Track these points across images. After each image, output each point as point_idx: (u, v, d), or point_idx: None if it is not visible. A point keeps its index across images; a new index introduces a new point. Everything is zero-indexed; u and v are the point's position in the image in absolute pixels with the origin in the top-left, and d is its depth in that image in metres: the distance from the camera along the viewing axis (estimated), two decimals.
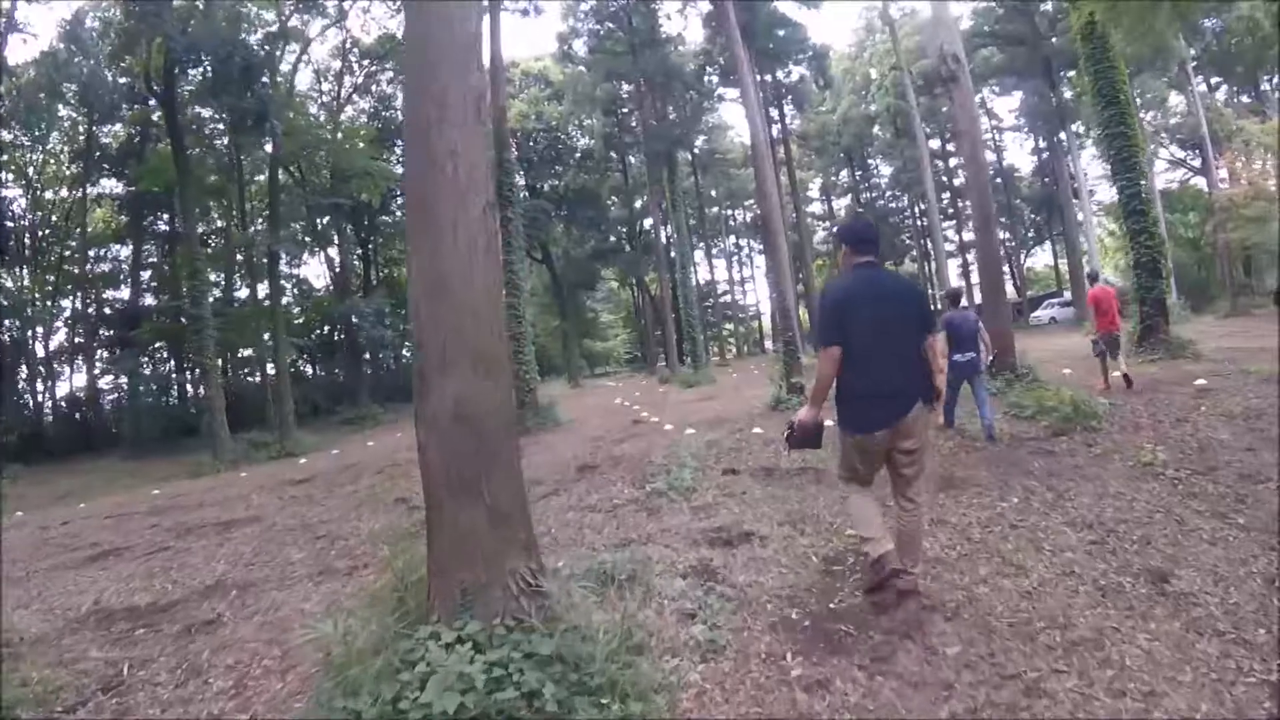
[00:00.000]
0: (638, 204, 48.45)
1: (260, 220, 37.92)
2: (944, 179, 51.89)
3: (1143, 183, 17.00)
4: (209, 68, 25.02)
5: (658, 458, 10.15)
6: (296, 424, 28.98)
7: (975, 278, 57.68)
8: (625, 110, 44.65)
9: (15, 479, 24.30)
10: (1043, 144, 47.97)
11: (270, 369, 35.10)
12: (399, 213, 46.80)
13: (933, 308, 10.18)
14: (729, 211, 67.74)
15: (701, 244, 61.50)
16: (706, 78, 41.37)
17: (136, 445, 30.13)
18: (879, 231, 4.81)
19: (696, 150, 51.66)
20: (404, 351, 49.12)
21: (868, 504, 4.30)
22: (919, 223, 57.03)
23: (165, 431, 30.82)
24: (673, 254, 40.88)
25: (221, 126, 31.19)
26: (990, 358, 10.23)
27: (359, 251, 47.02)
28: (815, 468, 7.99)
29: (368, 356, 43.89)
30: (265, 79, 26.60)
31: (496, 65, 19.35)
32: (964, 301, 10.26)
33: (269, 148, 30.03)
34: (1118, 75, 16.50)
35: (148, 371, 36.53)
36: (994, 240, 15.82)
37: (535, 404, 18.30)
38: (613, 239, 52.78)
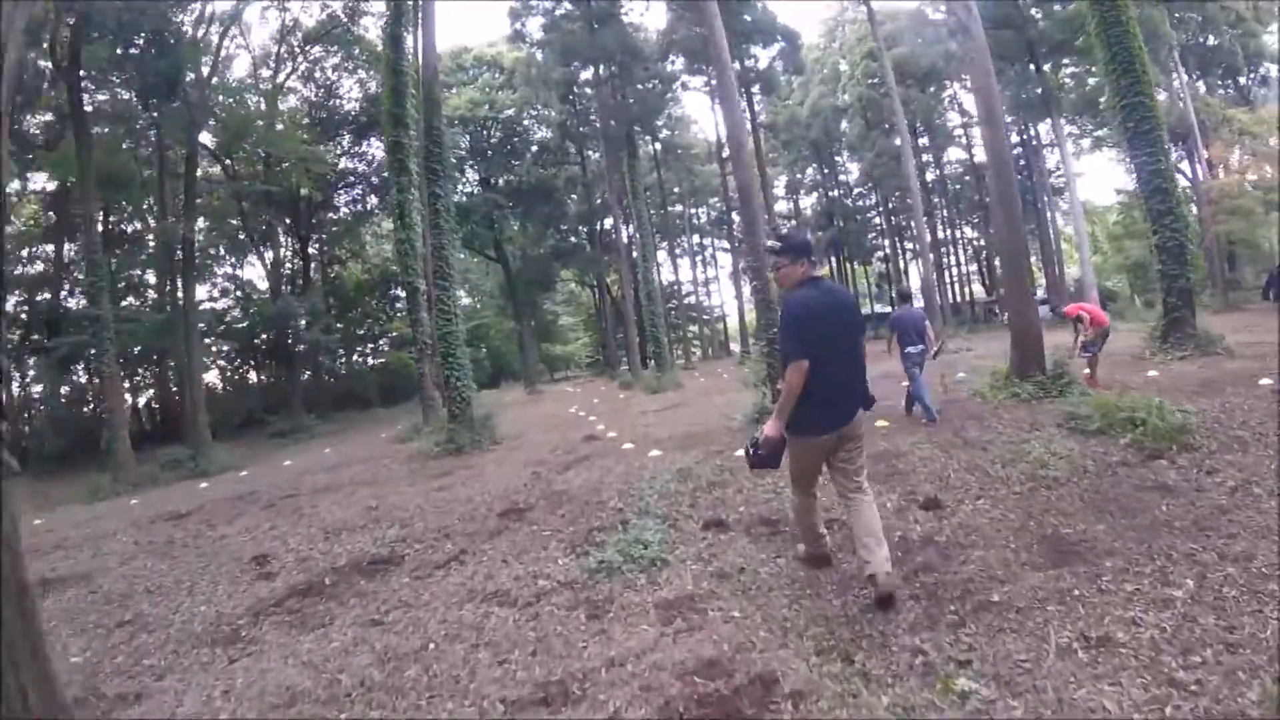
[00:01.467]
0: (598, 200, 45.87)
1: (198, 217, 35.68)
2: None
3: (1163, 160, 14.94)
4: (114, 36, 22.70)
5: (611, 497, 7.54)
6: (223, 437, 27.39)
7: (953, 269, 56.63)
8: (584, 99, 42.14)
9: None
10: (1018, 138, 45.96)
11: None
12: (344, 208, 44.42)
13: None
14: (693, 210, 65.28)
15: (664, 243, 59.03)
16: (669, 63, 38.70)
17: (44, 462, 27.55)
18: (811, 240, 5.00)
19: (659, 143, 49.40)
20: (348, 356, 46.56)
21: (814, 509, 4.77)
22: (889, 220, 55.04)
23: (74, 448, 27.74)
24: (634, 253, 38.40)
25: (147, 112, 28.37)
26: (935, 349, 11.22)
27: (296, 248, 43.64)
28: (840, 518, 5.49)
29: (306, 363, 40.88)
30: (175, 42, 24.05)
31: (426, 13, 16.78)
32: (914, 301, 11.73)
33: (181, 116, 26.95)
34: (1133, 41, 14.72)
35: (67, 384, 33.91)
36: (1018, 223, 13.31)
37: (469, 419, 15.44)
38: (572, 239, 50.41)
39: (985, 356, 19.16)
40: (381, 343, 49.57)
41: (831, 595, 4.41)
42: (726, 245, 64.79)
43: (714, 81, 38.65)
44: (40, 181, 35.77)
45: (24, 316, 36.38)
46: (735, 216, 53.99)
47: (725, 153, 45.35)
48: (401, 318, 45.06)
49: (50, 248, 37.07)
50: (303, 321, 35.29)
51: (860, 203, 57.68)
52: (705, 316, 69.69)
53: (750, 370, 20.73)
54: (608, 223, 46.78)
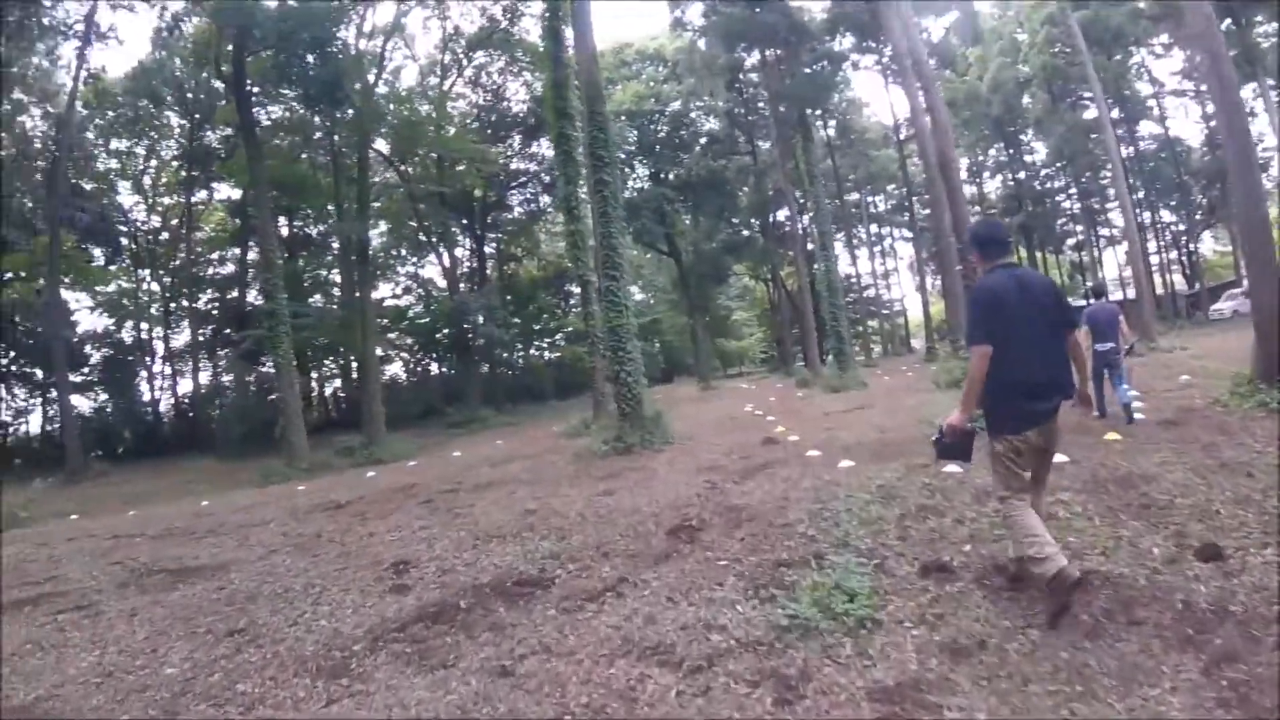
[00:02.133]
0: (769, 190, 44.29)
1: (378, 220, 38.16)
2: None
3: None
4: (275, 49, 23.42)
5: (800, 519, 6.33)
6: (403, 426, 28.75)
7: (1150, 258, 51.24)
8: (750, 85, 40.81)
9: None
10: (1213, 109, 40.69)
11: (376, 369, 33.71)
12: (518, 208, 45.35)
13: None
14: (870, 198, 62.35)
15: (840, 233, 56.23)
16: (837, 41, 36.55)
17: (229, 447, 29.72)
18: (1008, 231, 4.76)
19: (830, 129, 47.27)
20: (525, 350, 47.49)
21: (1031, 517, 4.03)
22: (1081, 203, 50.51)
23: (258, 434, 29.04)
24: (809, 244, 36.69)
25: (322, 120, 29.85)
26: (1129, 345, 10.76)
27: (473, 247, 45.06)
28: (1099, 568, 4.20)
29: (483, 356, 41.65)
30: (337, 54, 24.59)
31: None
32: (1107, 295, 11.74)
33: (354, 125, 27.95)
34: None
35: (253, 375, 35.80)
36: (1260, 195, 10.91)
37: (639, 416, 14.64)
38: (745, 231, 49.03)
39: (1205, 356, 17.27)
40: (558, 337, 50.63)
41: (1113, 696, 3.11)
42: (908, 233, 61.66)
43: (886, 58, 36.48)
44: (225, 190, 38.97)
45: (215, 313, 39.95)
46: (917, 203, 51.28)
47: (904, 133, 42.98)
48: (576, 313, 45.41)
49: (237, 250, 39.80)
50: (479, 317, 36.02)
51: (1049, 185, 52.95)
52: (885, 310, 66.70)
53: (940, 369, 19.07)
54: (781, 214, 45.40)
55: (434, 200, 37.65)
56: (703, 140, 46.42)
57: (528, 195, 45.84)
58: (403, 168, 37.16)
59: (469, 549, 7.11)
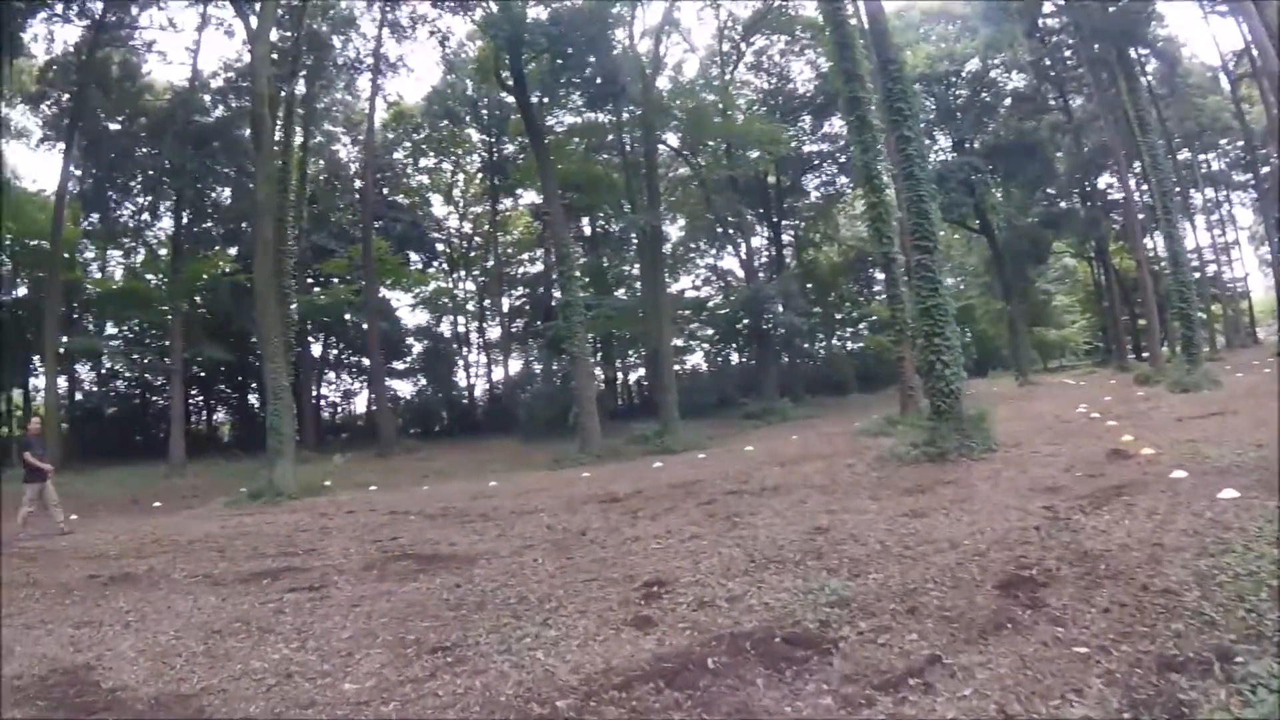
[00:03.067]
0: (1086, 150, 39.51)
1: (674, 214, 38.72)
2: None
3: None
4: (549, 52, 24.31)
5: (1182, 580, 4.71)
6: (699, 415, 29.27)
7: None
8: (1053, 32, 36.65)
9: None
10: None
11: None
12: (814, 192, 44.08)
13: None
14: (1202, 157, 51.40)
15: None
16: None
17: (531, 430, 31.24)
18: None
19: (1149, 74, 40.62)
20: (826, 340, 46.36)
21: None
22: None
23: (555, 420, 30.04)
24: (1139, 216, 31.89)
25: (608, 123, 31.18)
26: None
27: (769, 235, 44.45)
28: None
29: (782, 346, 41.24)
30: (612, 52, 25.15)
31: None
32: None
33: (640, 121, 28.59)
34: None
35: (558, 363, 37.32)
36: None
37: (957, 415, 12.65)
38: (1063, 203, 43.87)
39: None
40: (861, 327, 49.15)
41: None
42: (1249, 197, 51.52)
43: None
44: (530, 196, 42.04)
45: (526, 307, 44.27)
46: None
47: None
48: (880, 301, 44.01)
49: (542, 251, 43.60)
50: (778, 305, 35.51)
51: None
52: (1225, 292, 54.14)
53: None
54: (1104, 180, 40.63)
55: (727, 189, 37.45)
56: (1007, 100, 42.48)
57: (823, 178, 44.63)
58: (693, 160, 37.26)
59: (739, 574, 6.13)
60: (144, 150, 31.87)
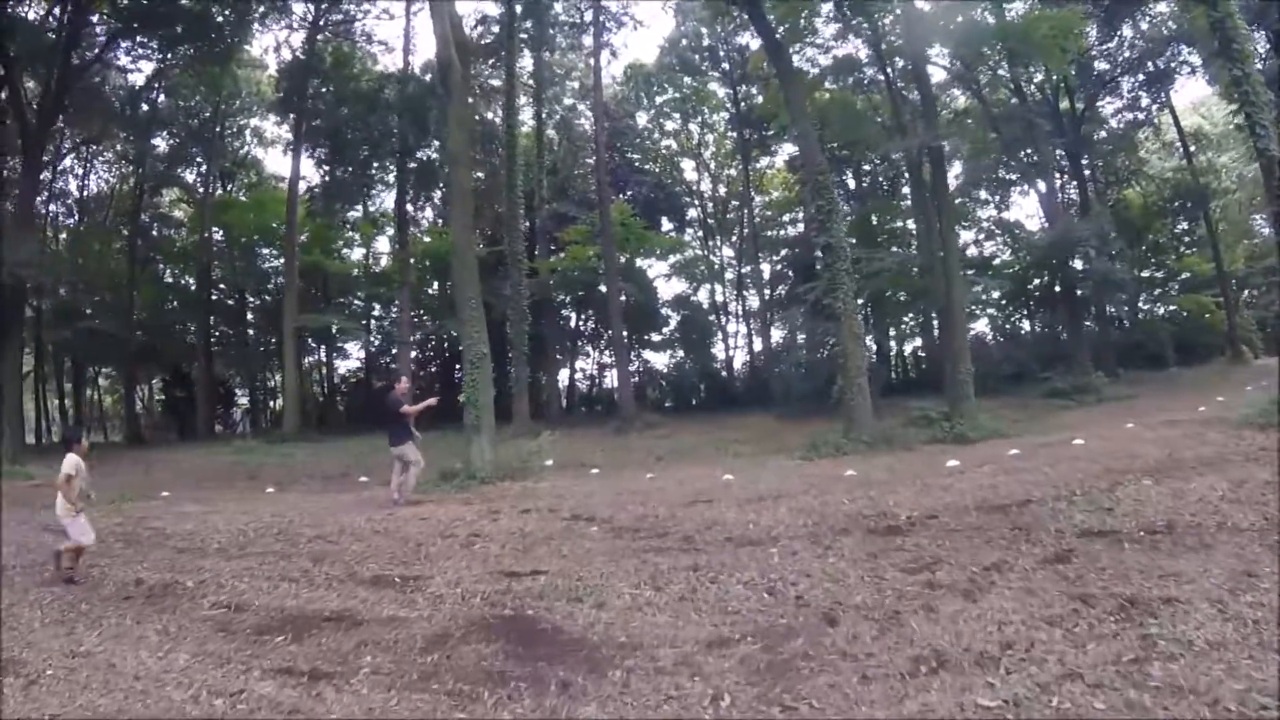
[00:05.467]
0: None
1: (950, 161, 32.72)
2: None
3: None
4: None
5: None
6: (988, 393, 23.57)
7: None
8: None
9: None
10: None
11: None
12: (1112, 119, 36.39)
13: None
14: None
15: None
16: None
17: (789, 405, 27.83)
18: None
19: None
20: (1133, 301, 37.58)
21: None
22: None
23: (819, 393, 25.32)
24: None
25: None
26: None
27: (1067, 169, 36.23)
28: None
29: (1089, 308, 33.77)
30: None
31: None
32: None
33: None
34: None
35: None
36: None
37: None
38: None
39: None
40: (1171, 286, 39.29)
41: None
42: None
43: None
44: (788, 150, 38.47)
45: (789, 272, 39.64)
46: None
47: None
48: (1195, 252, 37.37)
49: (802, 210, 38.57)
50: (1090, 251, 27.91)
51: None
52: None
53: None
54: None
55: (1014, 117, 30.29)
56: None
57: (1125, 98, 35.76)
58: (970, 77, 30.22)
59: None
60: (359, 130, 32.38)
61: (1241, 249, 41.24)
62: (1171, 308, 38.04)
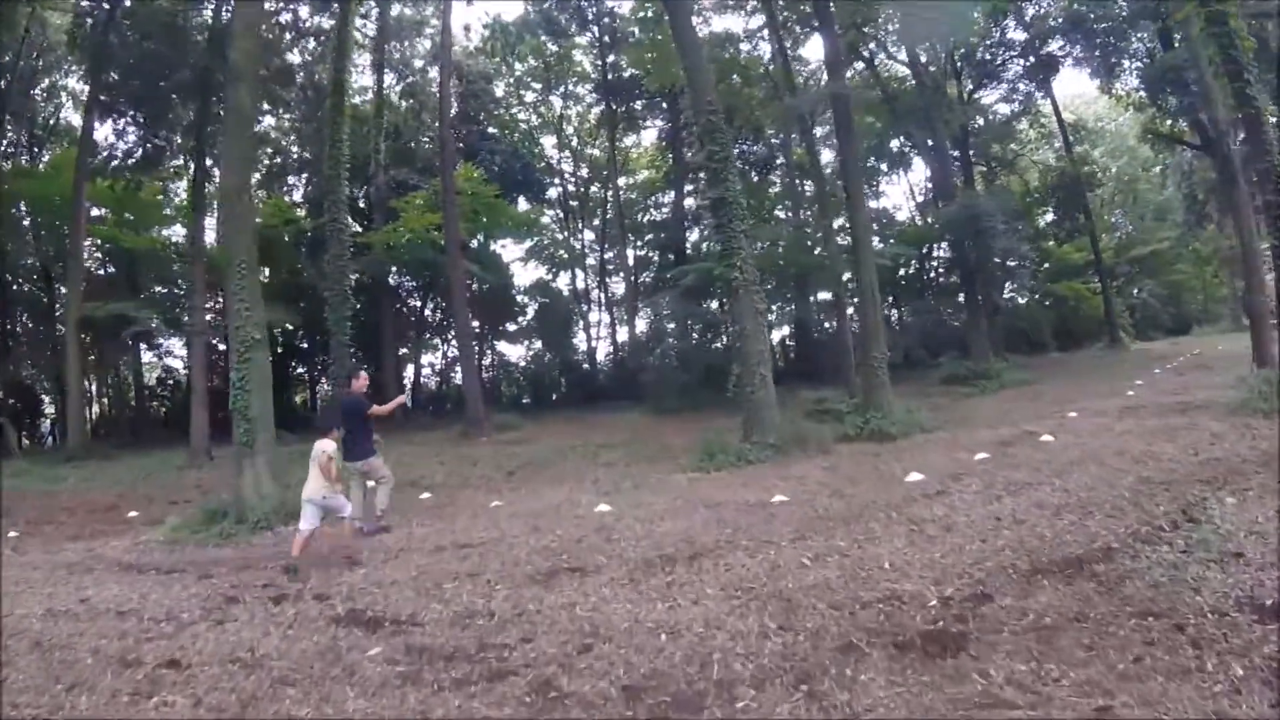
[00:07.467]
0: None
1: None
2: None
3: None
4: None
5: None
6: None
7: None
8: None
9: None
10: None
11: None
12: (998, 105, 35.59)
13: None
14: None
15: None
16: None
17: (663, 400, 24.59)
18: None
19: None
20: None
21: None
22: None
23: (700, 385, 24.17)
24: None
25: None
26: None
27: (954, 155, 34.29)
28: None
29: (995, 286, 31.67)
30: None
31: None
32: None
33: None
34: None
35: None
36: None
37: None
38: None
39: None
40: (1047, 272, 38.74)
41: None
42: None
43: None
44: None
45: (654, 258, 37.69)
46: None
47: None
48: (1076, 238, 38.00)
49: (672, 194, 37.57)
50: (998, 225, 25.43)
51: None
52: None
53: None
54: None
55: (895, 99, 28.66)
56: None
57: (1008, 82, 34.48)
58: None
59: None
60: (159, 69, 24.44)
61: (1104, 241, 41.84)
62: (1043, 294, 38.02)
